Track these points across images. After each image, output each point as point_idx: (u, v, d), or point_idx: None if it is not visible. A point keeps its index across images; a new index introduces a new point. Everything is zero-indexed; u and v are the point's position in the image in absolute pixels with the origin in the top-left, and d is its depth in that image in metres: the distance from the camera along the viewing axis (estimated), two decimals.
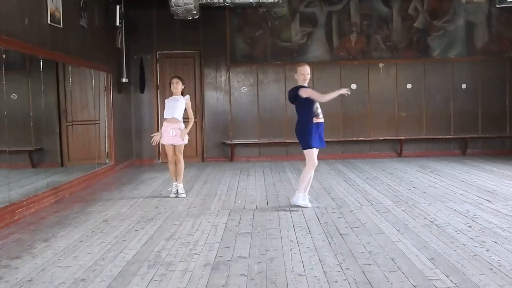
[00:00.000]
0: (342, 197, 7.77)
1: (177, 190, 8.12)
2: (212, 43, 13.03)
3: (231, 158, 13.07)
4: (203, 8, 11.40)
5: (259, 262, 4.65)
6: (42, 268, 4.63)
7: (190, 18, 11.22)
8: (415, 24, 13.18)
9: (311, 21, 13.11)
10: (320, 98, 6.91)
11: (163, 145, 8.34)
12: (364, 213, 6.61)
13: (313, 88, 7.20)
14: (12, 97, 7.21)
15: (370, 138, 13.17)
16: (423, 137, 13.20)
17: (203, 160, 13.16)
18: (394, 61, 13.22)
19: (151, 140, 8.18)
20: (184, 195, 8.06)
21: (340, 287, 3.98)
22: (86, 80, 10.39)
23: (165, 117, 8.12)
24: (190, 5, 10.61)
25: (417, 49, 13.22)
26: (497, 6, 11.93)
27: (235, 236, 5.62)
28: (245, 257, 4.81)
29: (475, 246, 4.96)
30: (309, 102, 6.83)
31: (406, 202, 7.27)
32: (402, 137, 13.09)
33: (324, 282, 4.09)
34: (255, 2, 11.26)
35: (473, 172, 10.02)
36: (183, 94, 8.19)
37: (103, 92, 10.98)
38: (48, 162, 8.77)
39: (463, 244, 5.06)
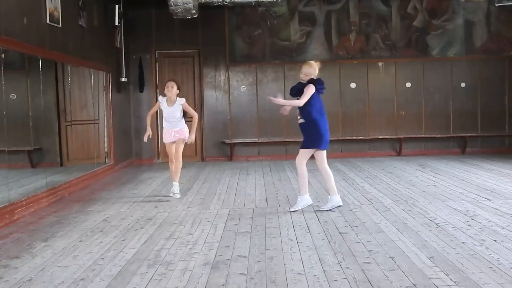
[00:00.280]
0: (341, 196, 7.72)
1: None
2: (211, 42, 13.03)
3: (230, 158, 13.08)
4: (202, 7, 11.40)
5: (258, 261, 4.65)
6: (41, 267, 4.63)
7: (189, 17, 11.22)
8: (414, 23, 13.19)
9: (310, 20, 13.11)
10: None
11: (164, 145, 8.27)
12: (364, 212, 6.61)
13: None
14: (11, 97, 7.21)
15: (370, 137, 13.17)
16: (423, 136, 13.21)
17: (202, 159, 13.16)
18: (393, 60, 13.23)
19: (146, 139, 8.19)
20: (178, 196, 7.91)
21: (339, 286, 3.98)
22: (85, 79, 10.38)
23: (166, 128, 8.02)
24: (189, 4, 10.61)
25: (416, 48, 13.23)
26: (496, 4, 11.97)
27: (234, 235, 5.62)
28: (244, 256, 4.81)
29: (475, 245, 4.97)
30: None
31: (405, 200, 7.27)
32: (401, 136, 13.09)
33: (324, 281, 4.09)
34: (254, 1, 11.27)
35: (472, 170, 10.03)
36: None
37: (102, 92, 10.97)
38: (47, 162, 8.77)
39: (463, 242, 5.06)
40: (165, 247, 5.20)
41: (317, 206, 7.01)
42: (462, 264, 4.40)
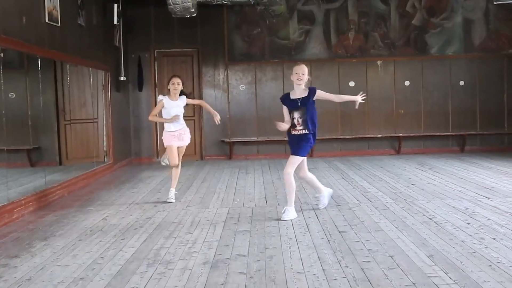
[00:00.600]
0: (340, 195, 7.77)
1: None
2: (210, 41, 13.03)
3: (229, 156, 13.08)
4: (201, 6, 11.40)
5: (258, 260, 4.65)
6: (41, 267, 4.63)
7: (188, 16, 11.22)
8: (413, 22, 13.19)
9: (309, 19, 13.11)
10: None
11: (169, 147, 7.58)
12: (363, 211, 6.61)
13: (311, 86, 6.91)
14: (10, 96, 7.20)
15: (369, 136, 13.18)
16: (422, 134, 13.21)
17: (201, 158, 13.16)
18: (392, 59, 13.23)
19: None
20: (173, 200, 7.59)
21: (339, 284, 3.98)
22: (84, 78, 10.38)
23: (173, 129, 7.54)
24: (188, 3, 10.60)
25: (415, 46, 13.23)
26: (495, 3, 11.97)
27: (234, 234, 5.62)
28: (244, 255, 4.81)
29: (474, 243, 4.97)
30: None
31: (404, 199, 7.28)
32: (400, 134, 13.10)
33: (323, 279, 4.10)
34: (253, 0, 11.26)
35: (471, 169, 10.03)
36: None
37: (101, 91, 10.98)
38: (46, 161, 8.76)
39: (462, 241, 5.07)
40: (164, 246, 5.20)
41: (317, 205, 7.02)
42: (461, 262, 4.40)
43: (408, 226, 5.75)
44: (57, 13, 8.50)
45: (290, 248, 5.00)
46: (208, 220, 6.36)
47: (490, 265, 4.30)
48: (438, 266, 4.31)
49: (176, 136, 7.57)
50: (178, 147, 7.65)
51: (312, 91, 6.34)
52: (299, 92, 6.38)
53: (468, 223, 5.77)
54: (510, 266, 4.26)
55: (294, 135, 6.37)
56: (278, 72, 13.07)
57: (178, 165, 7.65)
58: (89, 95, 10.55)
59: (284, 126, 6.40)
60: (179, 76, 7.78)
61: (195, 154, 13.04)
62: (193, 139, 12.65)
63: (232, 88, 13.18)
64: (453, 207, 6.64)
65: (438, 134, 13.18)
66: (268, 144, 13.10)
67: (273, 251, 4.94)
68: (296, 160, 6.36)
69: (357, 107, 6.67)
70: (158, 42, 13.03)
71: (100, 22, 11.00)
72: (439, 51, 13.22)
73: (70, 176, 8.99)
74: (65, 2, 8.83)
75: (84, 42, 9.95)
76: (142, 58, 12.99)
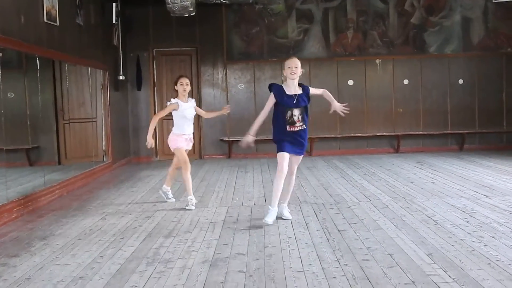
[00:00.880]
0: (339, 193, 7.78)
1: (167, 195, 7.61)
2: (209, 40, 13.03)
3: (228, 155, 13.08)
4: (199, 5, 11.39)
5: (257, 259, 4.65)
6: (40, 266, 4.63)
7: (187, 15, 11.21)
8: (411, 20, 13.20)
9: (307, 17, 13.11)
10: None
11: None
12: (362, 209, 6.61)
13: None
14: (8, 95, 7.20)
15: (367, 134, 13.18)
16: (420, 132, 13.22)
17: (200, 157, 13.17)
18: (390, 57, 13.23)
19: (146, 141, 7.02)
20: (173, 200, 7.55)
21: (338, 283, 3.98)
22: (83, 78, 10.37)
23: (188, 132, 7.24)
24: (187, 2, 10.60)
25: (414, 45, 13.24)
26: (493, 1, 11.99)
27: (233, 233, 5.62)
28: (243, 254, 4.82)
29: (473, 241, 4.97)
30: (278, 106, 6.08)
31: (403, 197, 7.28)
32: (399, 133, 13.10)
33: (323, 278, 4.10)
34: None
35: (470, 167, 10.04)
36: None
37: (100, 90, 10.97)
38: (45, 160, 8.76)
39: (461, 239, 5.07)
40: (163, 245, 5.20)
41: (316, 203, 7.02)
42: (460, 260, 4.40)
43: (407, 224, 5.75)
44: (55, 12, 8.49)
45: (289, 247, 5.00)
46: (207, 219, 6.36)
47: (489, 263, 4.31)
48: (437, 264, 4.32)
49: (188, 139, 7.29)
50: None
51: (306, 90, 6.05)
52: (293, 88, 6.02)
53: (467, 222, 5.77)
54: (509, 264, 4.27)
55: (297, 131, 5.95)
56: (277, 71, 13.06)
57: (188, 167, 7.22)
58: (88, 95, 10.55)
59: (250, 138, 6.34)
60: (187, 77, 7.47)
61: (194, 153, 13.03)
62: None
63: (231, 87, 13.19)
64: (452, 205, 6.65)
65: (437, 132, 13.19)
66: (266, 143, 13.05)
67: (272, 249, 4.94)
68: (299, 160, 6.17)
69: (331, 111, 6.29)
70: (157, 41, 13.03)
71: (99, 21, 11.00)
72: (438, 50, 13.23)
73: (69, 176, 8.99)
74: (64, 1, 8.83)
75: (83, 41, 9.94)
76: (141, 57, 12.98)
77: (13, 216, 6.59)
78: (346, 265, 4.40)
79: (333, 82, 12.98)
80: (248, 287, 3.96)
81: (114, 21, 11.31)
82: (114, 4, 11.20)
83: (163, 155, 13.07)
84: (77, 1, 9.65)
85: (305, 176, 9.41)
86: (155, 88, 13.09)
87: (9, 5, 7.07)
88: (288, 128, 5.97)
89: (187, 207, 7.01)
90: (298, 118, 5.95)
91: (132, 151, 13.06)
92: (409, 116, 13.26)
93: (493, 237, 5.12)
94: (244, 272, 4.29)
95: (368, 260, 4.51)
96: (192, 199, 7.11)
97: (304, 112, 6.01)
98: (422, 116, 13.26)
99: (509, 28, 13.18)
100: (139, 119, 13.06)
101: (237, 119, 13.13)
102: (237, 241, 5.27)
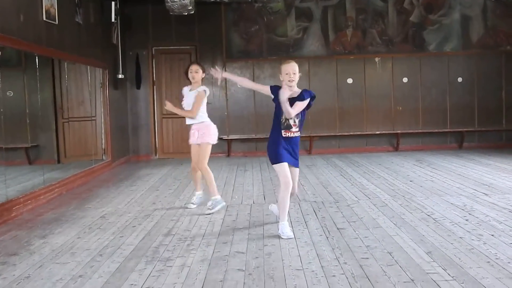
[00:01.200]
0: (339, 192, 7.78)
1: (194, 200, 7.12)
2: (208, 38, 13.02)
3: (228, 153, 13.08)
4: (198, 3, 11.40)
5: (256, 257, 4.65)
6: (39, 264, 4.63)
7: (186, 13, 11.21)
8: (410, 18, 13.19)
9: (306, 16, 13.11)
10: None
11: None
12: (361, 207, 6.62)
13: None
14: (8, 94, 7.19)
15: (367, 132, 13.18)
16: (420, 131, 13.22)
17: None
18: (390, 55, 13.23)
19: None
20: (193, 206, 7.02)
21: (337, 281, 3.99)
22: (82, 76, 10.37)
23: (188, 123, 6.94)
24: (186, 1, 10.60)
25: (413, 43, 13.23)
26: None
27: (232, 231, 5.62)
28: (242, 252, 4.82)
29: (472, 239, 4.98)
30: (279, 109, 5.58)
31: (403, 196, 7.29)
32: (398, 131, 13.10)
33: (322, 276, 4.10)
34: None
35: (469, 165, 10.04)
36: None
37: (99, 89, 10.97)
38: (44, 159, 8.76)
39: (460, 237, 5.07)
40: (163, 244, 5.20)
41: (315, 202, 7.02)
42: (459, 259, 4.41)
43: (407, 222, 5.75)
44: (54, 10, 8.49)
45: (288, 245, 5.01)
46: (206, 217, 6.36)
47: (489, 261, 4.31)
48: (437, 263, 4.32)
49: (196, 136, 6.95)
50: (198, 145, 6.99)
51: (301, 97, 5.49)
52: (291, 92, 5.51)
53: (466, 220, 5.78)
54: (508, 262, 4.27)
55: (291, 138, 5.58)
56: (276, 69, 12.99)
57: (202, 170, 6.98)
58: (87, 93, 10.54)
59: (221, 75, 5.83)
60: (198, 63, 7.02)
61: None
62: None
63: (230, 86, 13.18)
64: (451, 203, 6.65)
65: (436, 130, 13.19)
66: (266, 141, 13.05)
67: (271, 248, 4.94)
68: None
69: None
70: (156, 39, 13.02)
71: (98, 19, 10.99)
72: (437, 48, 13.23)
73: (69, 174, 8.99)
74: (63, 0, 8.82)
75: (82, 40, 9.93)
76: (140, 55, 12.98)
77: (13, 215, 6.59)
78: (346, 263, 4.40)
79: (333, 80, 12.99)
80: (247, 285, 3.96)
81: (113, 20, 11.30)
82: (113, 3, 11.19)
83: (162, 154, 13.07)
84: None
85: (304, 175, 9.41)
86: (155, 86, 13.09)
87: (8, 3, 7.07)
88: (283, 133, 5.61)
89: (187, 204, 7.08)
90: (295, 122, 5.55)
91: (132, 149, 13.05)
92: (408, 114, 13.26)
93: (492, 235, 5.12)
94: (244, 271, 4.29)
95: (367, 258, 4.52)
96: (200, 196, 7.09)
97: (301, 117, 5.58)
98: (422, 114, 13.26)
99: (508, 26, 13.18)
100: (139, 118, 13.06)
101: (236, 118, 13.14)
102: (236, 240, 5.28)
